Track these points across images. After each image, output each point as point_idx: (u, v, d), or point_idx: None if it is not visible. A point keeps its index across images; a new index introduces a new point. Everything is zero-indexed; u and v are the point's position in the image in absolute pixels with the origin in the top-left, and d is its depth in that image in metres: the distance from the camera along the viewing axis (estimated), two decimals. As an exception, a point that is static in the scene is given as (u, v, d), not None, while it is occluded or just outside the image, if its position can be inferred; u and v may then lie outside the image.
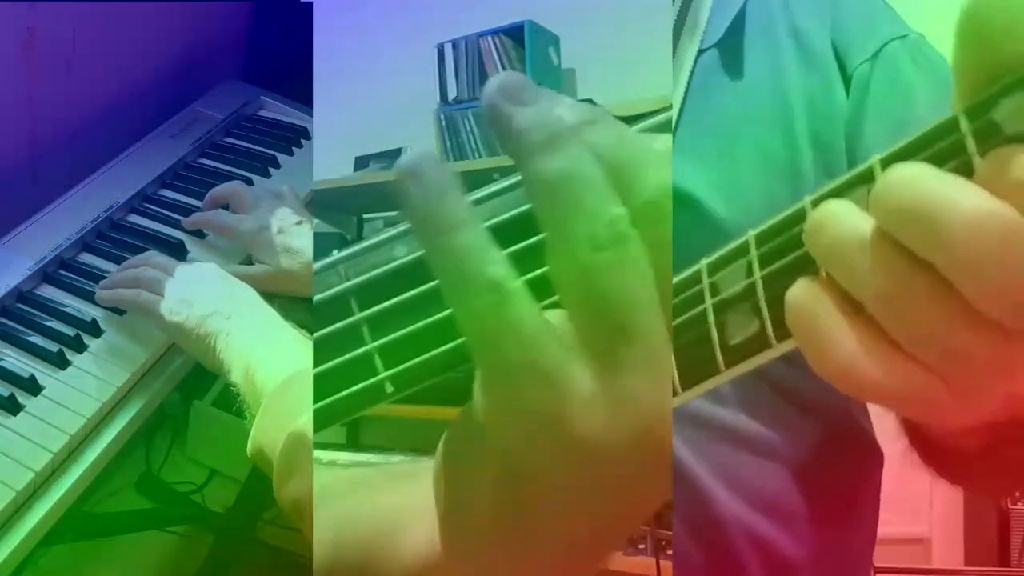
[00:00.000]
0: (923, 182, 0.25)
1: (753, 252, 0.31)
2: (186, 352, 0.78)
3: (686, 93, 0.66)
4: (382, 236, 0.28)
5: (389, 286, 0.28)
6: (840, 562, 0.67)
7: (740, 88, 0.66)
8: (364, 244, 0.28)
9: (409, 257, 0.28)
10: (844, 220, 0.27)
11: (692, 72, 0.66)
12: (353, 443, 2.23)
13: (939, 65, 0.66)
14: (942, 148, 0.26)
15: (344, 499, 0.40)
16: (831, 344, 0.27)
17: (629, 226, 0.25)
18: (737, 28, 0.68)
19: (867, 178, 0.27)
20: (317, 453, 0.51)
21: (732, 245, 0.32)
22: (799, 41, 0.67)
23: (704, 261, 0.33)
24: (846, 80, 0.65)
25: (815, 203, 0.28)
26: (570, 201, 0.25)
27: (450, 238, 0.25)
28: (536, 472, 0.26)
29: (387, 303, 0.28)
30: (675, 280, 0.33)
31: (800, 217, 0.29)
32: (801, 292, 0.28)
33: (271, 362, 0.63)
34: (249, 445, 0.59)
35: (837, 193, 0.28)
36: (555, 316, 0.26)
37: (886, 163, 0.27)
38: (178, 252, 0.91)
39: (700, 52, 0.67)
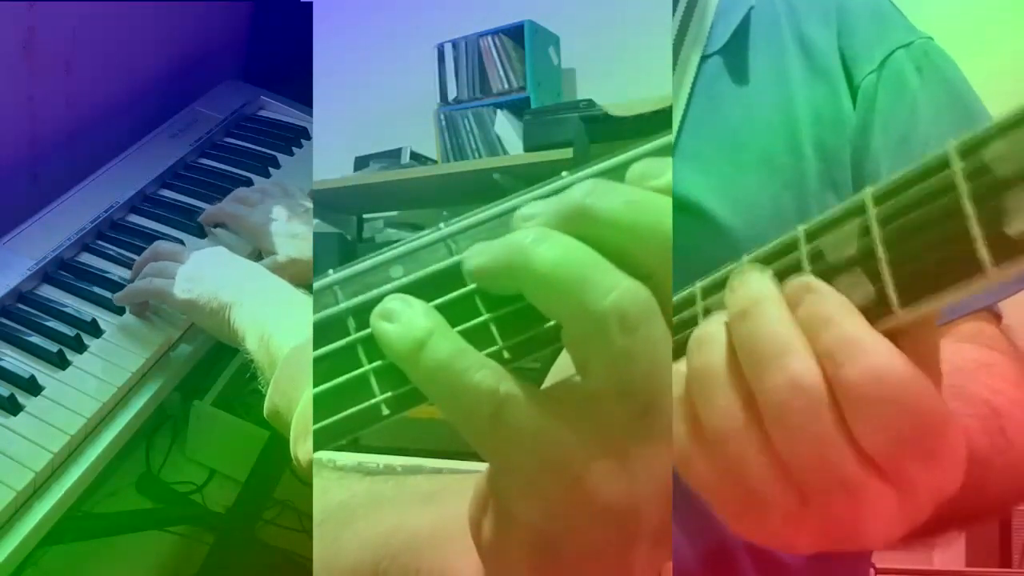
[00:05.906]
0: (769, 326, 0.27)
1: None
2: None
3: (689, 99, 0.64)
4: (379, 258, 0.28)
5: None
6: (835, 566, 0.67)
7: (745, 95, 0.65)
8: (361, 266, 0.28)
9: (405, 279, 0.28)
10: (711, 352, 0.29)
11: (696, 78, 0.65)
12: (353, 443, 2.22)
13: (944, 71, 0.64)
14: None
15: (370, 519, 0.39)
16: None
17: (651, 296, 0.25)
18: (741, 34, 0.66)
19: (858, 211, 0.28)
20: (317, 454, 0.51)
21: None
22: (805, 48, 0.66)
23: (698, 284, 0.33)
24: (853, 90, 0.64)
25: (808, 233, 0.29)
26: (578, 283, 0.25)
27: (421, 357, 0.26)
28: (568, 535, 0.27)
29: None
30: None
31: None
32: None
33: (285, 327, 0.63)
34: (266, 406, 0.60)
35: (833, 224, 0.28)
36: (563, 387, 0.26)
37: (879, 198, 0.27)
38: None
39: (704, 58, 0.66)
